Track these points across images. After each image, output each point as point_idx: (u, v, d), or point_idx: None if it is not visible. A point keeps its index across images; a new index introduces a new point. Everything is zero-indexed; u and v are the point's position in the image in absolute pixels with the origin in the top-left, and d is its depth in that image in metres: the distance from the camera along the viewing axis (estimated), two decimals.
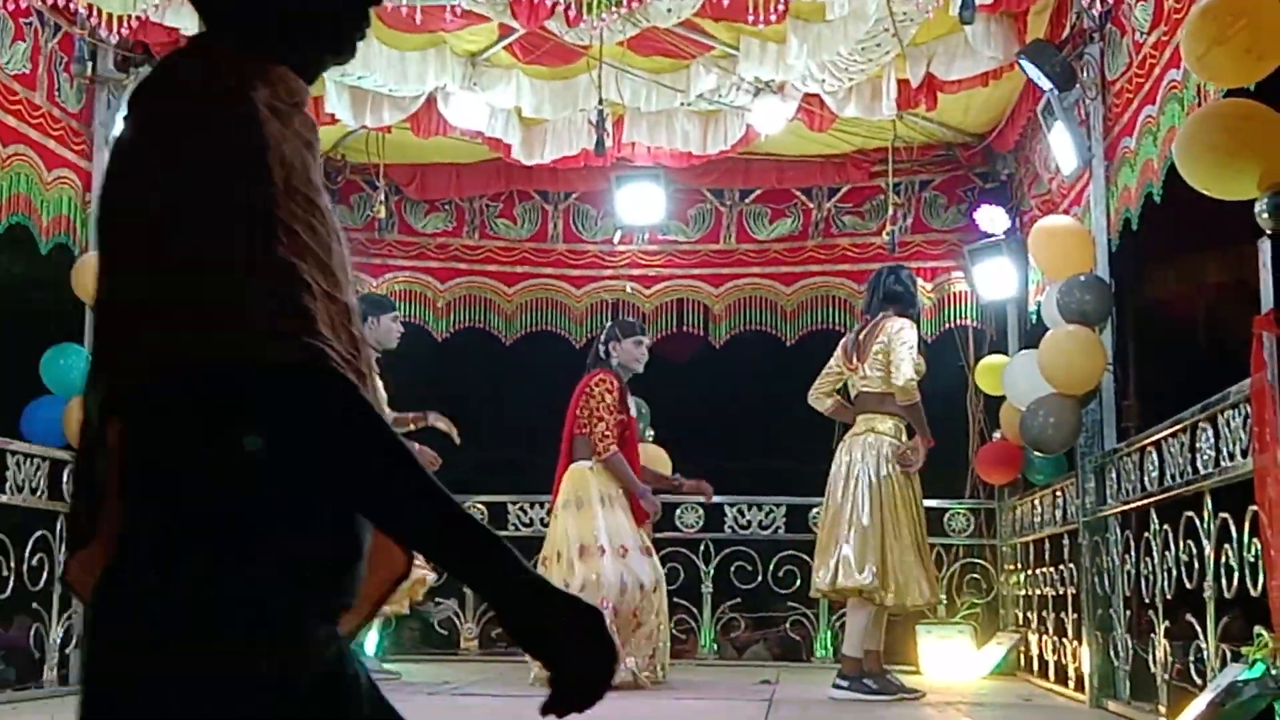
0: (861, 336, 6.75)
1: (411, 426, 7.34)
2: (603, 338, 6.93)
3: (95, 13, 5.42)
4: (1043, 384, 6.32)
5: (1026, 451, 7.63)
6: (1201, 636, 4.71)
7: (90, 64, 6.56)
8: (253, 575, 1.36)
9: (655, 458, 8.14)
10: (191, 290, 1.36)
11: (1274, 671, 3.77)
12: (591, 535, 6.54)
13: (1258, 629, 4.05)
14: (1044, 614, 7.24)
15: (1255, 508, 4.12)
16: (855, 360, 6.70)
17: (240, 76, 1.45)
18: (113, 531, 1.44)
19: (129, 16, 5.48)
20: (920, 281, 8.73)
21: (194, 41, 1.61)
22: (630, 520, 6.67)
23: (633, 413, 6.91)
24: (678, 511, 8.58)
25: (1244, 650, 4.05)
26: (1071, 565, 6.58)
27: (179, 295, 1.37)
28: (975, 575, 8.42)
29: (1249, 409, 4.13)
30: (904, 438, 6.56)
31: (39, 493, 6.05)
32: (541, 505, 8.27)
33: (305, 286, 1.37)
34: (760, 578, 8.45)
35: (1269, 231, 3.91)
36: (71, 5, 5.22)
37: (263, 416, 1.34)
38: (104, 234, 1.49)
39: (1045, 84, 6.44)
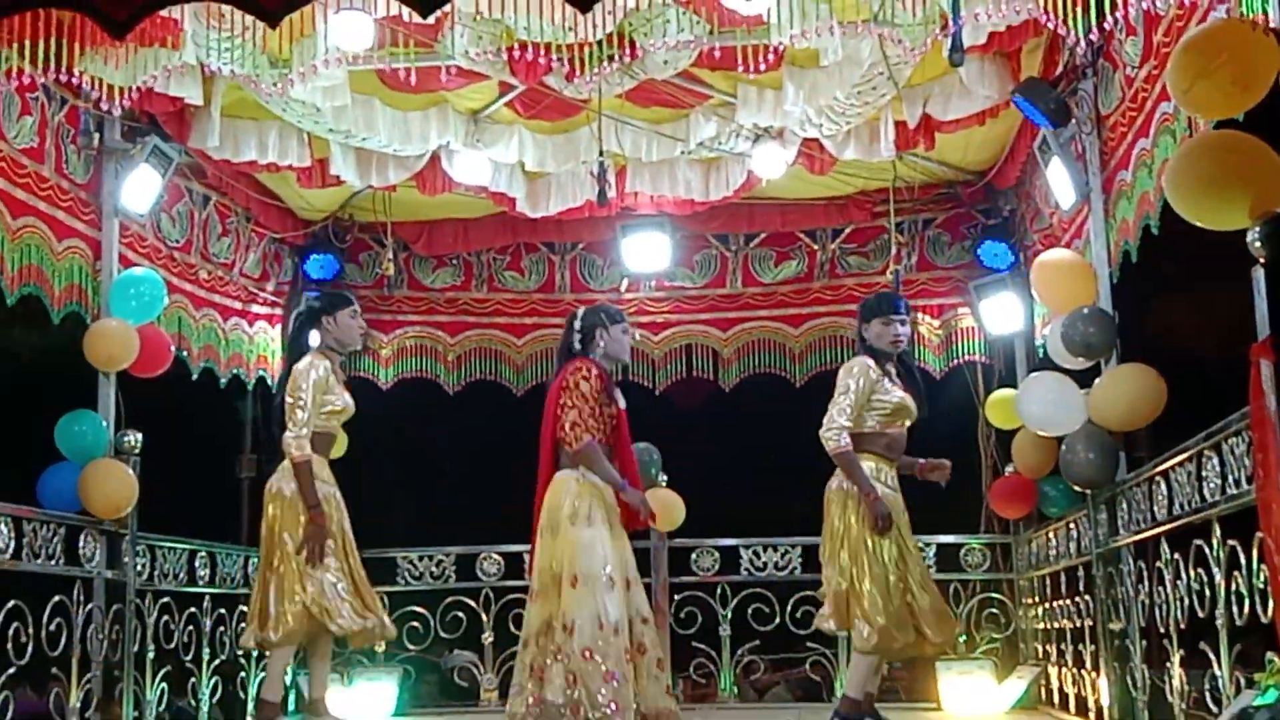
0: None
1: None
2: (579, 325, 6.02)
3: (99, 85, 5.51)
4: (1058, 406, 6.35)
5: (1040, 484, 7.64)
6: (1216, 664, 4.70)
7: (97, 135, 6.69)
8: None
9: (668, 502, 8.17)
10: None
11: None
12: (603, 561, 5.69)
13: (1269, 655, 4.05)
14: (1063, 647, 7.21)
15: (1262, 534, 4.12)
16: None
17: None
18: None
19: (131, 88, 5.56)
20: (928, 319, 8.81)
21: None
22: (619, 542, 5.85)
23: (621, 405, 6.02)
24: (694, 555, 8.61)
25: (1256, 677, 4.05)
26: (1088, 597, 6.57)
27: None
28: (993, 610, 8.39)
29: (1251, 435, 4.15)
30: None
31: (55, 559, 6.10)
32: None
33: None
34: (778, 619, 8.43)
35: (1262, 260, 3.94)
36: (75, 80, 5.29)
37: None
38: None
39: (1040, 121, 6.51)
